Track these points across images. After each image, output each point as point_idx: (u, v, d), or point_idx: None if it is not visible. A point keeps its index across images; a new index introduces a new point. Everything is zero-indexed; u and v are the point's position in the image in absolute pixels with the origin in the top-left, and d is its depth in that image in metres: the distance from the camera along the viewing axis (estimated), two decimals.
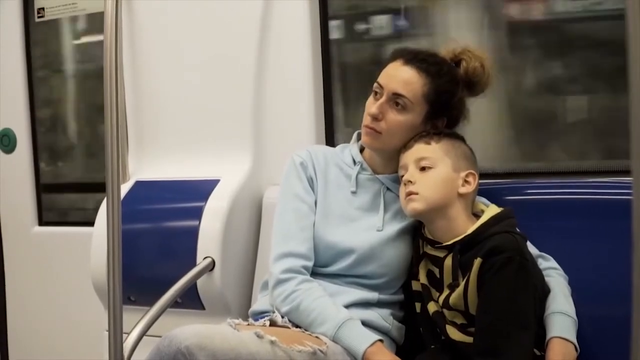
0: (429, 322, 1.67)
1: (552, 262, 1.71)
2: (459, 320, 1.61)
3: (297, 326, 1.65)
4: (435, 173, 1.65)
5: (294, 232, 1.74)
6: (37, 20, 2.74)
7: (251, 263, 2.15)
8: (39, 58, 2.78)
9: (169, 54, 2.35)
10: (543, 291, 1.61)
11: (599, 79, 2.10)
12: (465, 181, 1.67)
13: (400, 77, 1.71)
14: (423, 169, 1.66)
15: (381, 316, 1.72)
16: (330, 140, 2.23)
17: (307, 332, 1.62)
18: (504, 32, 2.18)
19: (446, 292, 1.62)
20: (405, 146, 1.71)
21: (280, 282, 1.69)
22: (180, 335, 1.40)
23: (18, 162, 2.79)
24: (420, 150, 1.68)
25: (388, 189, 1.78)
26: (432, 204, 1.63)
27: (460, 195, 1.65)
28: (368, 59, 2.36)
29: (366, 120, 1.73)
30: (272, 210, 1.87)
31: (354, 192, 1.79)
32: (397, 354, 1.65)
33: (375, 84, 1.74)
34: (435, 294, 1.66)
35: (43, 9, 2.72)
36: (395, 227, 1.75)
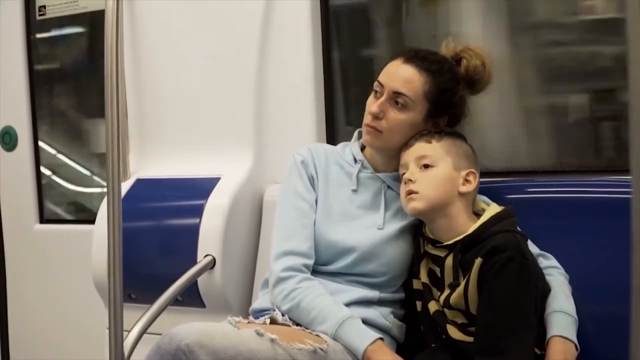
0: (430, 321, 1.66)
1: (552, 261, 1.71)
2: (460, 319, 1.61)
3: (297, 324, 1.65)
4: (436, 172, 1.65)
5: (295, 230, 1.74)
6: (38, 18, 2.74)
7: (252, 261, 2.15)
8: None
9: (170, 51, 2.34)
10: (543, 290, 1.61)
11: None
12: (466, 180, 1.66)
13: (400, 75, 1.70)
14: (424, 167, 1.66)
15: (382, 314, 1.71)
16: (331, 139, 2.22)
17: (308, 330, 1.62)
18: None
19: (447, 291, 1.62)
20: (406, 145, 1.71)
21: (280, 280, 1.69)
22: (181, 333, 1.40)
23: (19, 159, 2.79)
24: (421, 148, 1.67)
25: (389, 187, 1.78)
26: (432, 203, 1.63)
27: (461, 194, 1.65)
28: None
29: (367, 119, 1.73)
30: (273, 209, 1.87)
31: (354, 191, 1.79)
32: (398, 352, 1.65)
33: (376, 83, 1.74)
34: (436, 293, 1.66)
35: (44, 6, 2.71)
36: (396, 225, 1.75)
